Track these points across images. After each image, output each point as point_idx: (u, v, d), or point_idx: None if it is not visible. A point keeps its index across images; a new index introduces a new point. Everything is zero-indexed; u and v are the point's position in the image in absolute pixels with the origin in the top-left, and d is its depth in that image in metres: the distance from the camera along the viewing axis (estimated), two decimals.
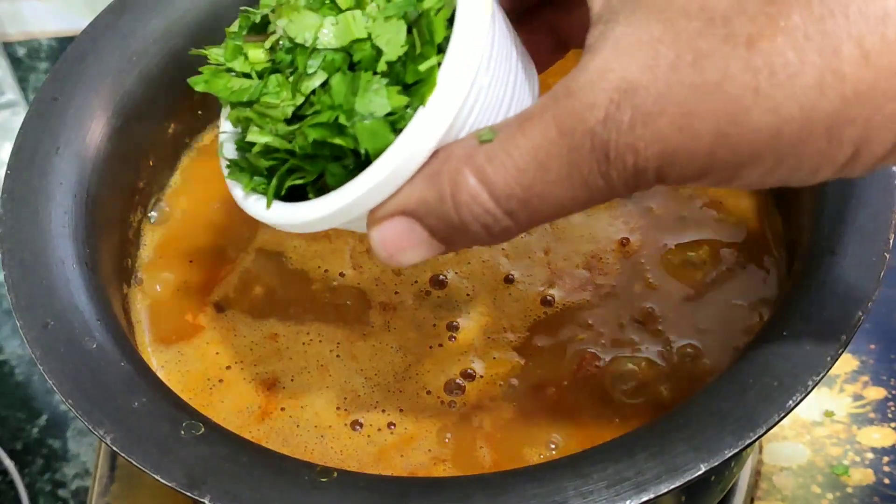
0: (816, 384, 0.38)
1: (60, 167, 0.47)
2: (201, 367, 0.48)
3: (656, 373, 0.46)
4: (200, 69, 0.37)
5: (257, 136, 0.36)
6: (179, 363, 0.48)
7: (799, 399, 0.38)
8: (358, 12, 0.34)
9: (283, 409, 0.47)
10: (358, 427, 0.46)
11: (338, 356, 0.48)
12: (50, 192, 0.46)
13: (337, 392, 0.47)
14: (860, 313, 0.40)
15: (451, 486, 0.37)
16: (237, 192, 0.38)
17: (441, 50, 0.34)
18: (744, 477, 0.58)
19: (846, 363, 0.63)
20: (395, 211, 0.34)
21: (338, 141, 0.34)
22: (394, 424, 0.46)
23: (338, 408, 0.46)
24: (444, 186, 0.33)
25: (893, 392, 0.62)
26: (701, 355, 0.47)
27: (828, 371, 0.39)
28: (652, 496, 0.36)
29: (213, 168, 0.56)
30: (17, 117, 0.89)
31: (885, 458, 0.60)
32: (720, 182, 0.31)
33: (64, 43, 0.92)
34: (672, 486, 0.36)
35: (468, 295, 0.49)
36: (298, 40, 0.35)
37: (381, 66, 0.34)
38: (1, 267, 0.44)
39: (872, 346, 0.64)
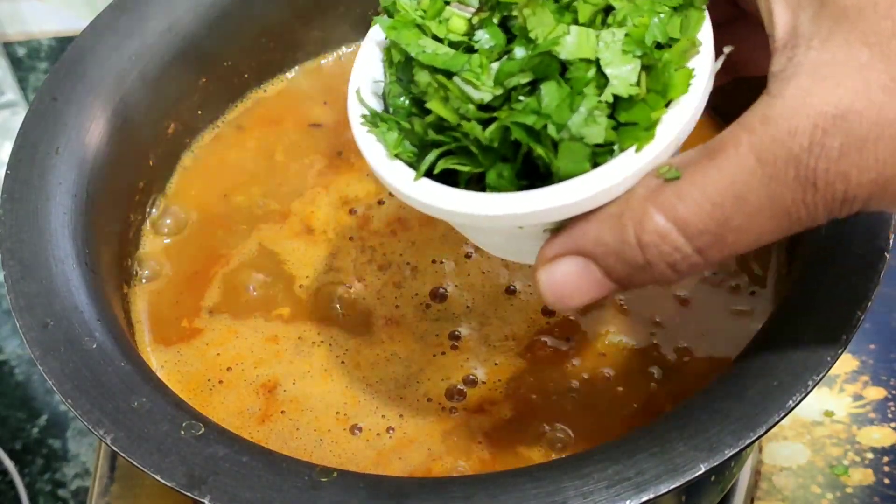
0: (816, 384, 0.38)
1: (60, 167, 0.47)
2: (201, 368, 0.48)
3: (656, 373, 0.46)
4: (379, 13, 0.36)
5: (441, 109, 0.33)
6: (179, 363, 0.48)
7: (799, 399, 0.38)
8: (593, 32, 0.33)
9: (283, 412, 0.47)
10: (357, 431, 0.46)
11: (342, 362, 0.48)
12: (50, 192, 0.46)
13: (337, 397, 0.47)
14: (860, 313, 0.40)
15: (452, 486, 0.37)
16: (376, 150, 0.35)
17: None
18: (744, 477, 0.58)
19: (846, 363, 0.63)
20: (569, 251, 0.33)
21: (538, 149, 0.32)
22: (393, 429, 0.46)
23: (337, 412, 0.46)
24: (626, 228, 0.32)
25: (893, 392, 0.62)
26: (700, 356, 0.47)
27: (828, 371, 0.39)
28: (652, 496, 0.36)
29: (214, 168, 0.56)
30: (17, 117, 0.89)
31: (885, 458, 0.60)
32: None
33: (64, 43, 0.92)
34: (672, 486, 0.36)
35: (468, 307, 0.49)
36: (532, 35, 0.33)
37: (607, 97, 0.32)
38: (1, 267, 0.44)
39: (872, 346, 0.64)
